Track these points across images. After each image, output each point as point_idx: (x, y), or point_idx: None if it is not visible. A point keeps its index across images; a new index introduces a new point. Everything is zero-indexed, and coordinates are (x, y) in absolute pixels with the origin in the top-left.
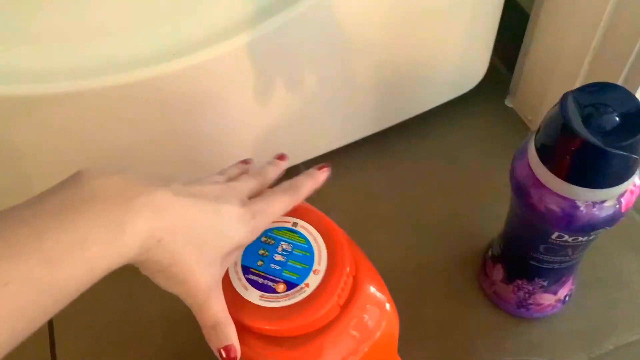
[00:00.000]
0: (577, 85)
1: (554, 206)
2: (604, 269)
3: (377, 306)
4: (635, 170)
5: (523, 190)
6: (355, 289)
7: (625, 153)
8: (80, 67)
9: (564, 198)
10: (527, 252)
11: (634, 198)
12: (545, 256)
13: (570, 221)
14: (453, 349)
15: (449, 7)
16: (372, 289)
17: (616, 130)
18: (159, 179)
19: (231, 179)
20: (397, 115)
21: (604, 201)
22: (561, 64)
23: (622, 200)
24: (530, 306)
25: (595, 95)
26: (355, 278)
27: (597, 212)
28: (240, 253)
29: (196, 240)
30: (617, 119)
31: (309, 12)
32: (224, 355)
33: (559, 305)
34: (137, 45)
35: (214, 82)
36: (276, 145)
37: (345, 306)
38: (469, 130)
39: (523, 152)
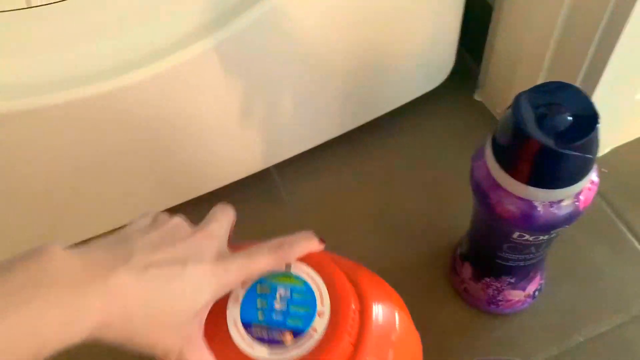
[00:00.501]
0: (541, 77)
1: (512, 207)
2: (573, 261)
3: (390, 330)
4: (591, 168)
5: (482, 192)
6: (363, 320)
7: (578, 153)
8: (41, 82)
9: (521, 199)
10: (491, 251)
11: (592, 195)
12: (509, 254)
13: (528, 222)
14: (425, 348)
15: (410, 4)
16: (381, 315)
17: (569, 130)
18: (123, 250)
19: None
20: (366, 115)
21: (561, 200)
22: (524, 56)
23: (580, 198)
24: (500, 303)
25: (549, 95)
26: (361, 307)
27: (555, 212)
28: (212, 303)
29: (157, 313)
30: (570, 118)
31: (269, 16)
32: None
33: (529, 300)
34: (98, 57)
35: (179, 90)
36: (246, 149)
37: (357, 343)
38: (439, 125)
39: (480, 153)
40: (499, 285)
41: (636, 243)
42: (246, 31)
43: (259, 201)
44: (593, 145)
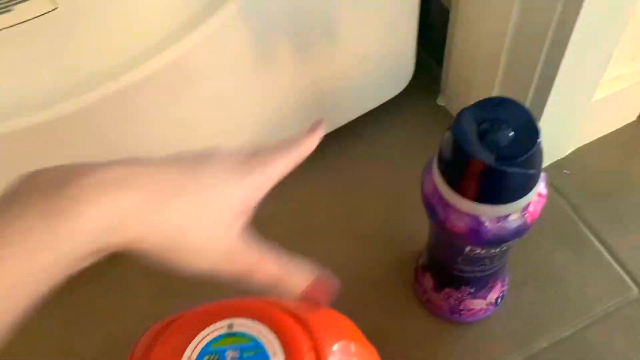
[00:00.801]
0: (498, 82)
1: (460, 223)
2: (535, 265)
3: None
4: (535, 183)
5: (431, 207)
6: None
7: (520, 170)
8: None
9: (468, 215)
10: (447, 263)
11: (539, 207)
12: (465, 267)
13: (477, 237)
14: (390, 358)
15: (362, 18)
16: (338, 352)
17: (512, 146)
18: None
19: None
20: (328, 126)
21: (508, 215)
22: (481, 60)
23: (527, 211)
24: (462, 312)
25: (492, 111)
26: (316, 350)
27: (503, 227)
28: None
29: (188, 206)
30: (512, 134)
31: (219, 33)
32: (315, 293)
33: (491, 308)
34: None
35: (133, 110)
36: None
37: None
38: (403, 131)
39: (429, 167)
40: (459, 295)
41: (597, 244)
42: (198, 48)
43: None
44: (536, 160)
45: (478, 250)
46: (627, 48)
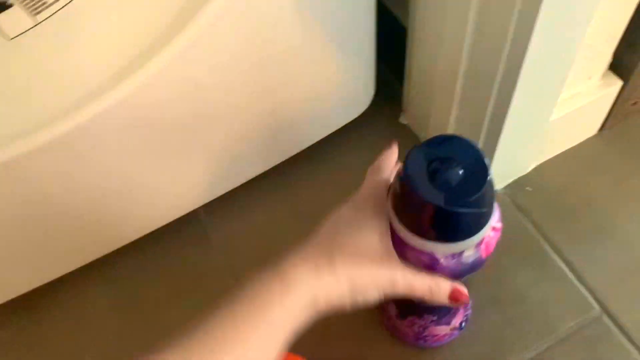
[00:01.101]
0: (456, 102)
1: (415, 260)
2: (498, 286)
3: None
4: (488, 219)
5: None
6: None
7: (471, 210)
8: None
9: (423, 252)
10: None
11: (494, 241)
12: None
13: (432, 273)
14: None
15: (317, 44)
16: None
17: (462, 184)
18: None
19: None
20: (289, 150)
21: (462, 252)
22: (439, 79)
23: (481, 247)
24: (427, 338)
25: (441, 148)
26: None
27: (458, 263)
28: None
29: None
30: (462, 172)
31: (177, 62)
32: (458, 297)
33: (455, 332)
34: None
35: (87, 145)
36: (169, 194)
37: None
38: (367, 152)
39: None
40: (423, 323)
41: (560, 262)
42: (156, 78)
43: (185, 244)
44: (487, 198)
45: None
46: (583, 68)
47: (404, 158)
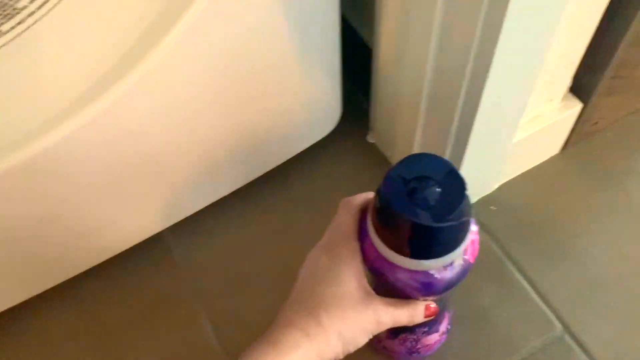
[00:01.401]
0: (420, 122)
1: (411, 281)
2: (464, 305)
3: None
4: (468, 228)
5: (378, 271)
6: None
7: (456, 222)
8: None
9: (416, 272)
10: None
11: (477, 244)
12: None
13: (429, 289)
14: None
15: (279, 66)
16: None
17: (441, 200)
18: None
19: None
20: (256, 170)
21: (453, 262)
22: (403, 100)
23: (467, 253)
24: (420, 349)
25: (417, 167)
26: None
27: (450, 273)
28: None
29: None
30: (439, 189)
31: (132, 95)
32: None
33: (444, 337)
34: None
35: (45, 173)
36: (134, 216)
37: None
38: (335, 172)
39: (364, 233)
40: (415, 337)
41: (523, 281)
42: (124, 99)
43: (151, 266)
44: (466, 208)
45: (430, 297)
46: (544, 91)
47: (379, 186)
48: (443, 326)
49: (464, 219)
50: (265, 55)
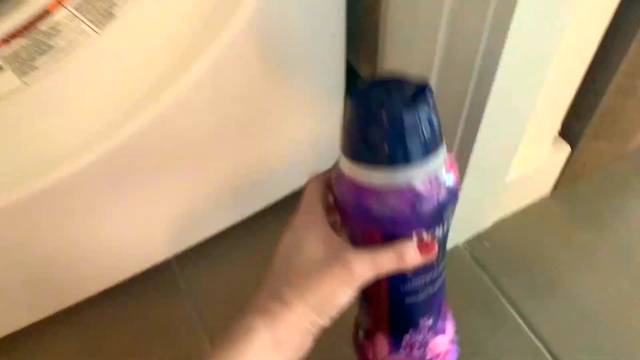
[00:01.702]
0: None
1: (396, 205)
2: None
3: None
4: (442, 134)
5: (359, 210)
6: None
7: (426, 107)
8: None
9: (400, 191)
10: (396, 293)
11: (456, 169)
12: (415, 279)
13: (418, 212)
14: None
15: (283, 99)
16: None
17: (408, 95)
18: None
19: None
20: (262, 201)
21: (436, 175)
22: None
23: (451, 172)
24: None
25: (380, 88)
26: None
27: (437, 186)
28: None
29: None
30: (406, 89)
31: (137, 139)
32: (428, 247)
33: (454, 346)
34: None
35: (57, 203)
36: (142, 242)
37: None
38: None
39: (339, 180)
40: (421, 337)
41: (515, 315)
42: (136, 137)
43: (155, 293)
44: (434, 103)
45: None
46: (534, 135)
47: (350, 101)
48: (449, 328)
49: (435, 111)
50: (272, 93)
